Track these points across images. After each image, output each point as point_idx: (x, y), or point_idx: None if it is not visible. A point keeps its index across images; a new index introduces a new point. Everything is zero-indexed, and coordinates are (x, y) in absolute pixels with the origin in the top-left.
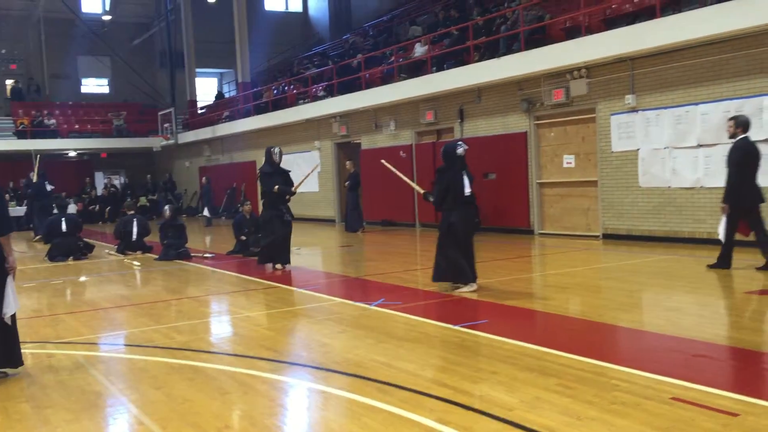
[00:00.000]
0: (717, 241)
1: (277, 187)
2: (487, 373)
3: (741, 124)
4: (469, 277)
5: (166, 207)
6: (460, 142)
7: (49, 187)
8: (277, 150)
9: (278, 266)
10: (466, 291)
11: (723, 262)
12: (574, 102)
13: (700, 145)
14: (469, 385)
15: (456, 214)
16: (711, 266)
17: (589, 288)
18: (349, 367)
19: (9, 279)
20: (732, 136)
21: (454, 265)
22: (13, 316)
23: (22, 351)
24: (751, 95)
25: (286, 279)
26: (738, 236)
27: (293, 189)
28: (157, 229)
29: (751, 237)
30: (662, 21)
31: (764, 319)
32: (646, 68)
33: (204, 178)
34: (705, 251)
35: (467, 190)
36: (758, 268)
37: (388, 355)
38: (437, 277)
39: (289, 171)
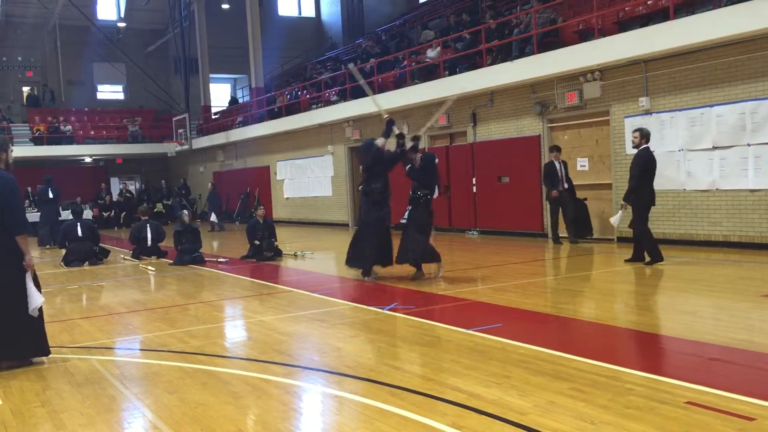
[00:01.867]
0: (736, 244)
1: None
2: (501, 377)
3: (645, 135)
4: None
5: (183, 212)
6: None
7: (51, 194)
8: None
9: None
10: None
11: (657, 257)
12: (587, 105)
13: (715, 148)
14: (482, 389)
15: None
16: (647, 263)
17: (604, 291)
18: (362, 372)
19: (27, 276)
20: (637, 146)
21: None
22: (40, 308)
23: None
24: (766, 97)
25: (300, 284)
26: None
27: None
28: (172, 234)
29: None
30: (676, 23)
31: None
32: (660, 70)
33: (210, 183)
34: (721, 254)
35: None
36: (627, 260)
37: (401, 359)
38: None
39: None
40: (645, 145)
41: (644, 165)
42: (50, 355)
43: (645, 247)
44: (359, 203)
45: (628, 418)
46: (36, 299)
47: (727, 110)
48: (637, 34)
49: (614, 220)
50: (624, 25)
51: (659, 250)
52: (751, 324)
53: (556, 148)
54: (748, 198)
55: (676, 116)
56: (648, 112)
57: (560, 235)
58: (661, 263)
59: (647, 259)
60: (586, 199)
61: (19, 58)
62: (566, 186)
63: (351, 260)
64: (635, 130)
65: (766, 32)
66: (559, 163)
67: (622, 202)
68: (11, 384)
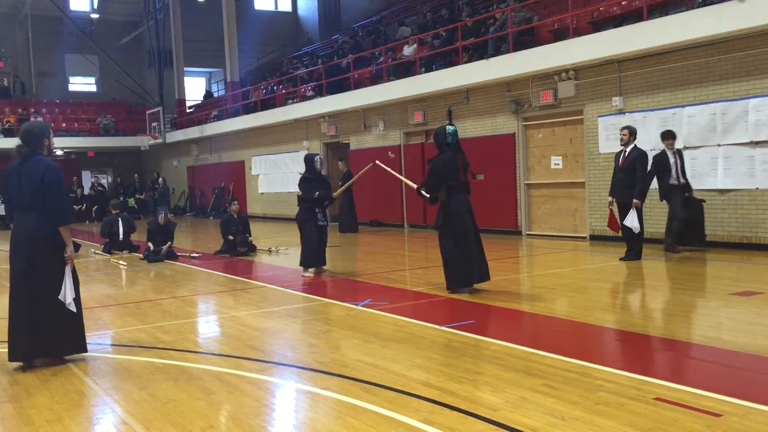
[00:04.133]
0: (705, 243)
1: (317, 193)
2: (473, 374)
3: (633, 133)
4: (474, 278)
5: (162, 213)
6: (449, 124)
7: None
8: (317, 158)
9: (309, 271)
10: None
11: (636, 255)
12: (562, 103)
13: (686, 147)
14: (454, 385)
15: (455, 201)
16: (623, 259)
17: (576, 289)
18: (335, 368)
19: (67, 268)
20: (625, 144)
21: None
22: (78, 303)
23: (3, 350)
24: (737, 98)
25: (274, 279)
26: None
27: (334, 195)
28: (146, 230)
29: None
30: (649, 24)
31: (746, 320)
32: (634, 70)
33: (160, 178)
34: (691, 252)
35: (463, 176)
36: (621, 258)
37: (375, 355)
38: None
39: (330, 177)
40: (634, 143)
41: (647, 162)
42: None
43: (637, 242)
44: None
45: (598, 414)
46: (69, 293)
47: (698, 111)
48: (611, 35)
49: (631, 222)
50: (598, 25)
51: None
52: (720, 322)
53: (669, 134)
54: (716, 198)
55: (648, 116)
56: (621, 112)
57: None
58: (632, 261)
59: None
60: (704, 200)
61: None
62: (683, 180)
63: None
64: (623, 128)
65: (737, 34)
66: (674, 152)
67: (635, 202)
68: None
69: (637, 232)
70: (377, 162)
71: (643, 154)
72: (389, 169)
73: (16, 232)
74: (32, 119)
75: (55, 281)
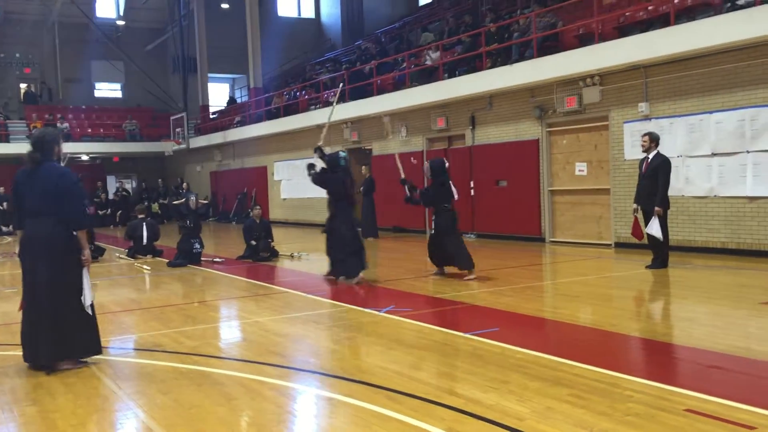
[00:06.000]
0: (733, 251)
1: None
2: (498, 383)
3: (655, 139)
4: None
5: (192, 197)
6: (443, 159)
7: None
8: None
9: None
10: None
11: (663, 263)
12: (586, 109)
13: (714, 154)
14: (480, 394)
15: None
16: (649, 267)
17: (602, 297)
18: (358, 375)
19: (84, 271)
20: (647, 150)
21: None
22: (92, 307)
23: (18, 353)
24: (766, 104)
25: (296, 284)
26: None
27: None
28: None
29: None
30: (676, 29)
31: None
32: (660, 76)
33: (184, 183)
34: (719, 260)
35: (456, 197)
36: (648, 267)
37: (398, 362)
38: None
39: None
40: (656, 149)
41: (669, 168)
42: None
43: (662, 250)
44: (360, 205)
45: (627, 426)
46: (88, 296)
47: (726, 117)
48: (637, 40)
49: (654, 230)
50: (624, 30)
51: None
52: (750, 332)
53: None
54: (746, 205)
55: (675, 122)
56: (647, 118)
57: None
58: (659, 269)
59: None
60: None
61: (18, 55)
62: None
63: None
64: (645, 134)
65: (766, 39)
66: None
67: (657, 209)
68: (2, 383)
69: (660, 239)
70: (397, 155)
71: (665, 161)
72: (400, 165)
73: (28, 237)
74: (58, 124)
75: (75, 285)
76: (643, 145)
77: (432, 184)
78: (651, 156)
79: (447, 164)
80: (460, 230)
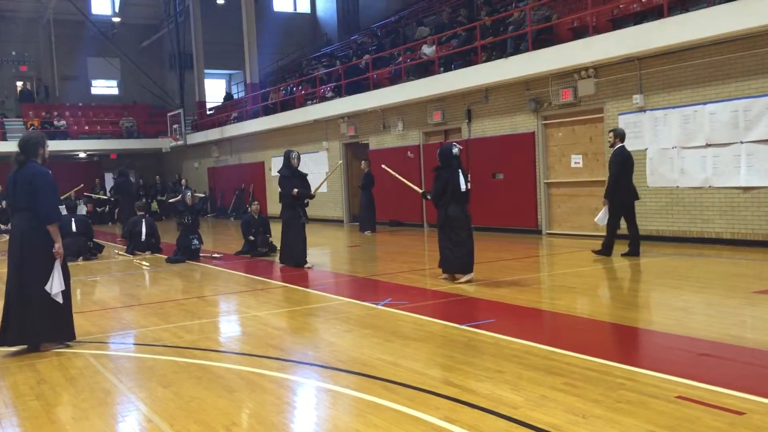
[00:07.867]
0: (728, 241)
1: (296, 190)
2: (493, 372)
3: (619, 135)
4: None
5: (187, 193)
6: (454, 143)
7: None
8: (295, 154)
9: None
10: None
11: (607, 251)
12: (581, 102)
13: (708, 145)
14: (475, 383)
15: (453, 208)
16: (595, 252)
17: (596, 287)
18: (356, 366)
19: (56, 263)
20: (612, 145)
21: (467, 255)
22: (67, 295)
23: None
24: (759, 95)
25: (294, 279)
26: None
27: (312, 192)
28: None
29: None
30: (670, 20)
31: None
32: (654, 68)
33: (182, 179)
34: (713, 251)
35: (463, 187)
36: (623, 254)
37: (395, 354)
38: (444, 266)
39: (307, 174)
40: (620, 145)
41: (622, 163)
42: (43, 351)
43: (606, 238)
44: (354, 199)
45: (619, 413)
46: (57, 285)
47: (720, 108)
48: (631, 32)
49: (599, 218)
50: (618, 22)
51: (612, 247)
52: (743, 320)
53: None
54: (740, 195)
55: (669, 114)
56: (642, 110)
57: None
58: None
59: (628, 250)
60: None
61: (13, 53)
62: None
63: None
64: (610, 131)
65: (759, 30)
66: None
67: (604, 200)
68: (5, 378)
69: (601, 226)
70: (384, 167)
71: (618, 154)
72: (396, 174)
73: (13, 230)
74: (55, 122)
75: (43, 274)
76: (609, 141)
77: (434, 179)
78: (615, 150)
79: (457, 149)
80: (451, 227)
